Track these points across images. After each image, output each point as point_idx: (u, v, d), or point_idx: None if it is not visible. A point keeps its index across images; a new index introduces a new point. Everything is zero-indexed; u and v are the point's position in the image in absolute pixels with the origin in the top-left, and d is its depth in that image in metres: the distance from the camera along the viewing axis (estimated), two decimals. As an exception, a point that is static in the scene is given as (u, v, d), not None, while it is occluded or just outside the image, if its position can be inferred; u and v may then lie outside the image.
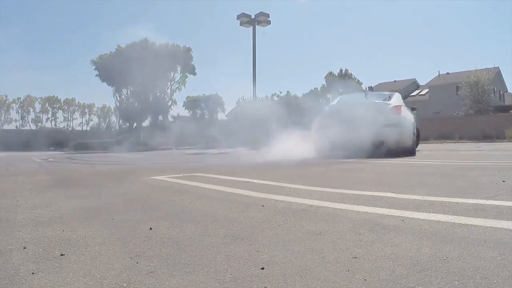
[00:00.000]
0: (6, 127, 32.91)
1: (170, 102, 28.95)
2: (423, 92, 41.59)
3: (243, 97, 41.94)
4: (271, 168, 5.85)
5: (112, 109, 35.08)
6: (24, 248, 1.65)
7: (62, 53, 67.75)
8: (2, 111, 32.82)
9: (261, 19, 18.77)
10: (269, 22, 19.14)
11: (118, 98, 28.78)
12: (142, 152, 17.50)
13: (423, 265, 1.31)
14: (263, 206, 2.49)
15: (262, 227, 1.93)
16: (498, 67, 38.55)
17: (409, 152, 8.04)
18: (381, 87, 38.44)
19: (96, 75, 27.15)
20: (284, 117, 12.10)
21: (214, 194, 3.15)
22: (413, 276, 1.22)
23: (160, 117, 29.42)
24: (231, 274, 1.28)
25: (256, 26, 18.92)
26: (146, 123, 29.98)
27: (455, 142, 23.02)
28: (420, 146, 11.90)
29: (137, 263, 1.42)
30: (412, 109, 9.72)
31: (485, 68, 35.42)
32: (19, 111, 33.74)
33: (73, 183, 4.45)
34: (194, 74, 28.57)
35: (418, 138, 9.89)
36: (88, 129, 37.07)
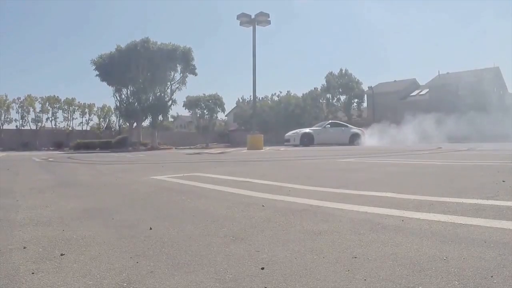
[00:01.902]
0: (6, 127, 32.79)
1: (170, 102, 28.82)
2: (423, 92, 41.54)
3: (242, 97, 42.13)
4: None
5: (112, 109, 34.89)
6: (24, 248, 1.65)
7: (62, 53, 67.90)
8: (2, 111, 32.68)
9: (261, 19, 18.71)
10: (269, 22, 19.09)
11: (118, 98, 28.68)
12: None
13: (423, 265, 1.31)
14: (263, 206, 2.49)
15: (262, 227, 1.93)
16: (498, 67, 38.46)
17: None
18: (381, 87, 38.35)
19: (96, 75, 27.02)
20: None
21: (214, 194, 3.15)
22: (413, 276, 1.22)
23: (160, 117, 29.32)
24: (231, 274, 1.28)
25: (256, 26, 18.89)
26: (146, 123, 29.91)
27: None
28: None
29: (137, 263, 1.42)
30: None
31: (485, 68, 35.37)
32: (19, 111, 33.61)
33: (73, 183, 4.45)
34: (195, 74, 28.42)
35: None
36: (88, 129, 36.92)
